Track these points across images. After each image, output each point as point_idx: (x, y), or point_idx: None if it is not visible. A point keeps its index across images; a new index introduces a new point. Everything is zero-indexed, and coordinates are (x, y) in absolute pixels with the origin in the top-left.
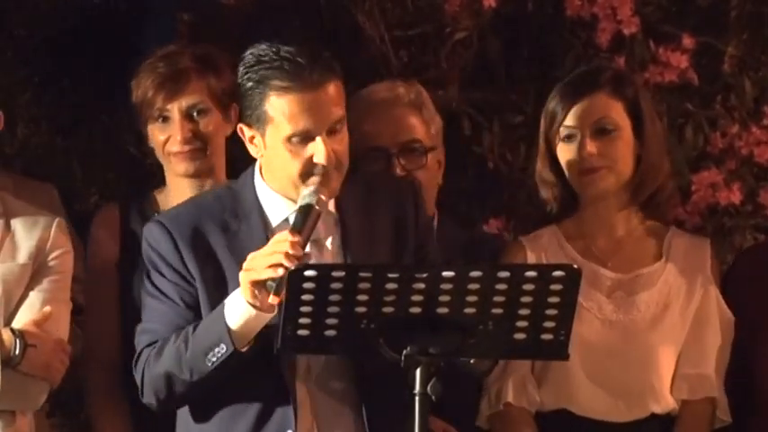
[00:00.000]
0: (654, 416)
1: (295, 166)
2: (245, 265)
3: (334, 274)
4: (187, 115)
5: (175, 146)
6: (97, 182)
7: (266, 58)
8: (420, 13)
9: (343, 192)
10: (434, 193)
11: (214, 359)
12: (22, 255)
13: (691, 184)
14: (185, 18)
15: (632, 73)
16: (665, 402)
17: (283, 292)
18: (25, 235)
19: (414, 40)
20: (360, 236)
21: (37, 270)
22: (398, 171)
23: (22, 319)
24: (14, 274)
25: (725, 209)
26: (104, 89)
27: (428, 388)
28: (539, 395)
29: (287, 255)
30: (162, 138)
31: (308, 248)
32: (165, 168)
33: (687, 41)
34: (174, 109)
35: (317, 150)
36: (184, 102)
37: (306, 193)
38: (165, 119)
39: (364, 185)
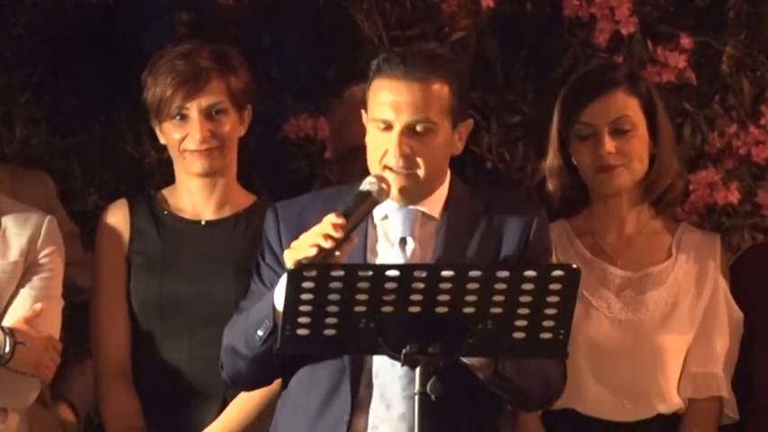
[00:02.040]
0: (660, 416)
1: (377, 153)
2: (292, 244)
3: (334, 273)
4: (206, 115)
5: (192, 144)
6: (96, 182)
7: (392, 52)
8: (418, 12)
9: (456, 202)
10: None
11: (261, 333)
12: (13, 252)
13: (689, 184)
14: (184, 18)
15: None
16: (672, 402)
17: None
18: (16, 232)
19: (412, 40)
20: (456, 248)
21: (28, 268)
22: None
23: (12, 317)
24: (5, 271)
25: (723, 208)
26: (104, 89)
27: (427, 387)
28: None
29: (326, 235)
30: (178, 136)
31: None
32: (176, 166)
33: (685, 41)
34: (194, 108)
35: (390, 146)
36: (204, 101)
37: (369, 180)
38: (183, 117)
39: (483, 202)
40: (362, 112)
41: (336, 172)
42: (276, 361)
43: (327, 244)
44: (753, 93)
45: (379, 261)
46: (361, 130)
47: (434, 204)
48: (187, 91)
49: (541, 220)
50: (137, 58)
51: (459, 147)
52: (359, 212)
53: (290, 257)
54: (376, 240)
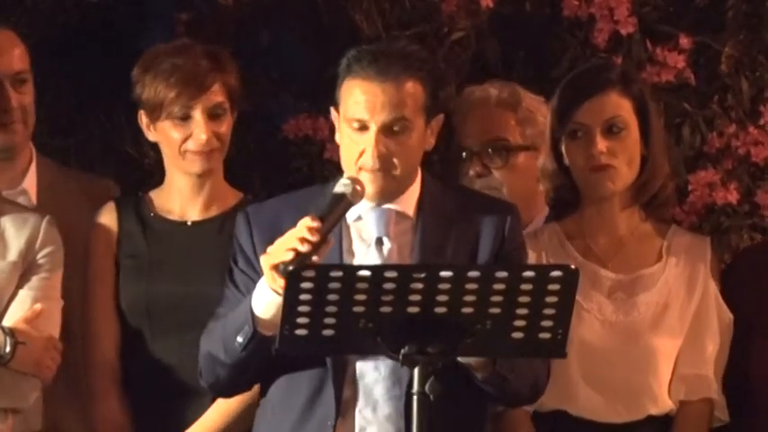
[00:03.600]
0: (651, 417)
1: (352, 154)
2: (268, 249)
3: (333, 274)
4: (209, 115)
5: (196, 145)
6: None
7: (362, 50)
8: (417, 13)
9: (429, 200)
10: (533, 195)
11: (241, 339)
12: (12, 253)
13: (688, 184)
14: (184, 18)
15: None
16: (663, 404)
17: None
18: (15, 233)
19: (411, 40)
20: (433, 246)
21: (27, 268)
22: (478, 170)
23: (12, 317)
24: (4, 272)
25: (722, 209)
26: (104, 89)
27: (426, 387)
28: None
29: (302, 239)
30: (178, 136)
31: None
32: (168, 165)
33: (684, 41)
34: (199, 108)
35: (367, 146)
36: (209, 101)
37: (342, 182)
38: (186, 117)
39: (458, 199)
40: (332, 109)
41: (444, 171)
42: (255, 368)
43: (304, 248)
44: (752, 93)
45: (355, 262)
46: (471, 131)
47: (407, 202)
48: (193, 91)
49: (514, 217)
50: (137, 57)
51: (431, 142)
52: (334, 215)
53: (267, 262)
54: (351, 241)
